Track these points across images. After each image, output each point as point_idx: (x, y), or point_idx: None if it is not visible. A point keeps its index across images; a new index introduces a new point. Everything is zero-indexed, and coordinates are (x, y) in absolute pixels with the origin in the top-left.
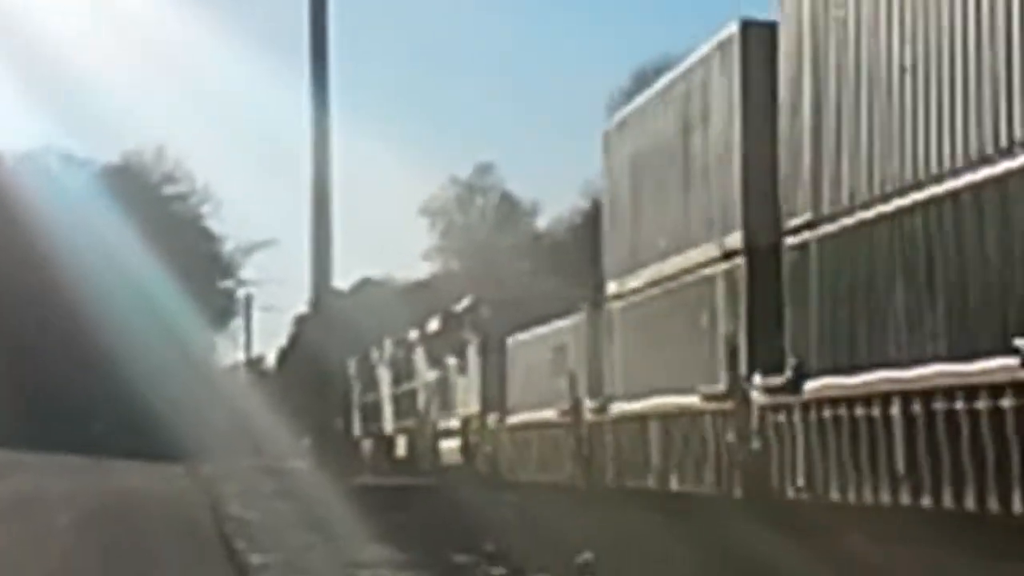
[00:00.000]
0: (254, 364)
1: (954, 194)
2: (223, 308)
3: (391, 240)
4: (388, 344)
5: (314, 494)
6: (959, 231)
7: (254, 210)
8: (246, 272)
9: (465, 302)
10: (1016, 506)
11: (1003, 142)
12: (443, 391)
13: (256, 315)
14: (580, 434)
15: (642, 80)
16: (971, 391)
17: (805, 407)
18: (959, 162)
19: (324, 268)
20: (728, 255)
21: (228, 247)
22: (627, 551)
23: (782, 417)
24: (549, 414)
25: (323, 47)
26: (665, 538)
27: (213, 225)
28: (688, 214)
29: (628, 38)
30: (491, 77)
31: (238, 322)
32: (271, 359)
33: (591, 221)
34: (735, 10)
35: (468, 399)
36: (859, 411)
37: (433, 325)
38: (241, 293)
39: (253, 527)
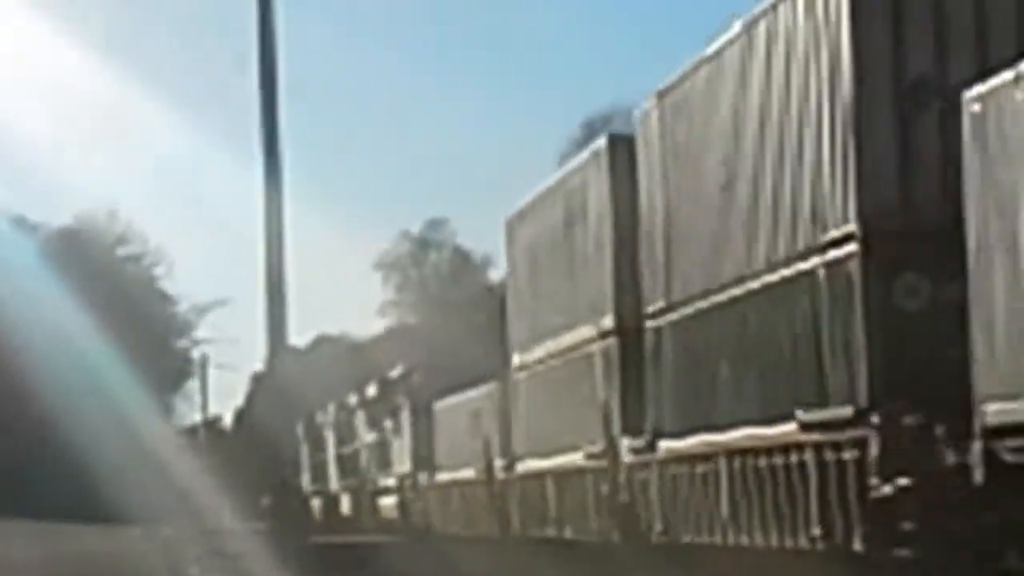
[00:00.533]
0: (211, 425)
1: (757, 291)
2: (179, 369)
3: (346, 296)
4: (331, 407)
5: (272, 555)
6: (761, 320)
7: (207, 269)
8: (201, 331)
9: (399, 369)
10: (803, 541)
11: (790, 252)
12: (381, 452)
13: (212, 374)
14: (492, 490)
15: (591, 130)
16: (768, 450)
17: (660, 464)
18: (761, 264)
19: (279, 327)
20: (603, 335)
21: (182, 307)
22: None
23: (643, 473)
24: (468, 473)
25: (272, 106)
26: None
27: (167, 285)
28: (574, 297)
29: (577, 88)
30: (441, 131)
31: (195, 382)
32: (228, 419)
33: None
34: (676, 59)
35: (403, 459)
36: (698, 467)
37: (371, 390)
38: (196, 353)
39: None
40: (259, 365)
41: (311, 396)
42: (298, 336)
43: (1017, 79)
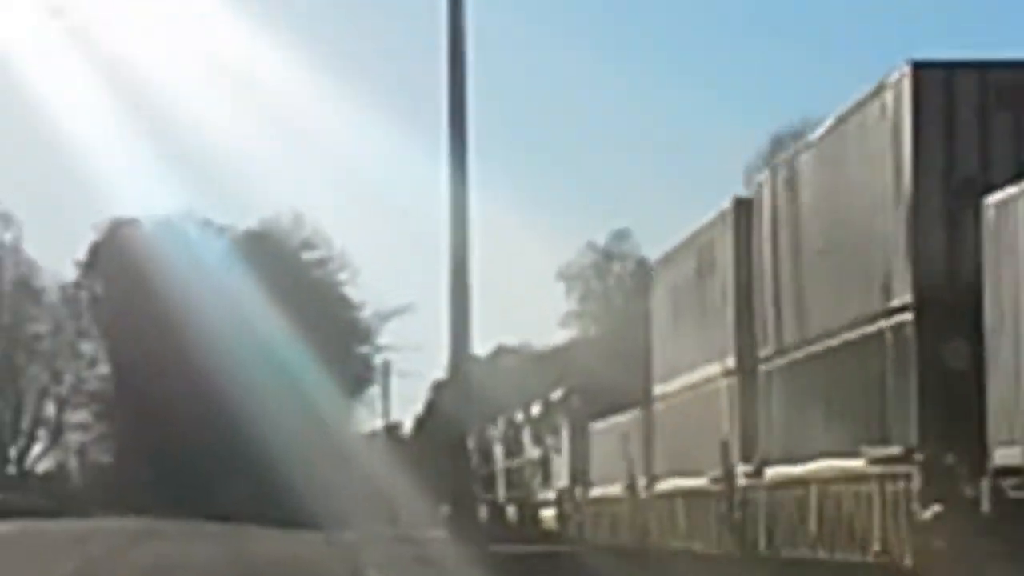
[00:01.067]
0: (392, 431)
1: (838, 347)
2: (361, 375)
3: (528, 306)
4: (501, 421)
5: (451, 562)
6: (841, 370)
7: (391, 276)
8: (383, 338)
9: (559, 392)
10: (869, 557)
11: (865, 313)
12: (543, 467)
13: (394, 381)
14: (634, 506)
15: (779, 145)
16: (844, 479)
17: (766, 488)
18: (844, 322)
19: (462, 335)
20: (727, 374)
21: (366, 313)
22: None
23: (753, 495)
24: (616, 489)
25: (461, 112)
26: None
27: (351, 291)
28: (704, 338)
29: (766, 102)
30: (628, 141)
31: (376, 389)
32: (408, 426)
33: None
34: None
35: (561, 475)
36: (794, 491)
37: (535, 409)
38: (379, 359)
39: None
40: (440, 373)
41: (492, 405)
42: (480, 345)
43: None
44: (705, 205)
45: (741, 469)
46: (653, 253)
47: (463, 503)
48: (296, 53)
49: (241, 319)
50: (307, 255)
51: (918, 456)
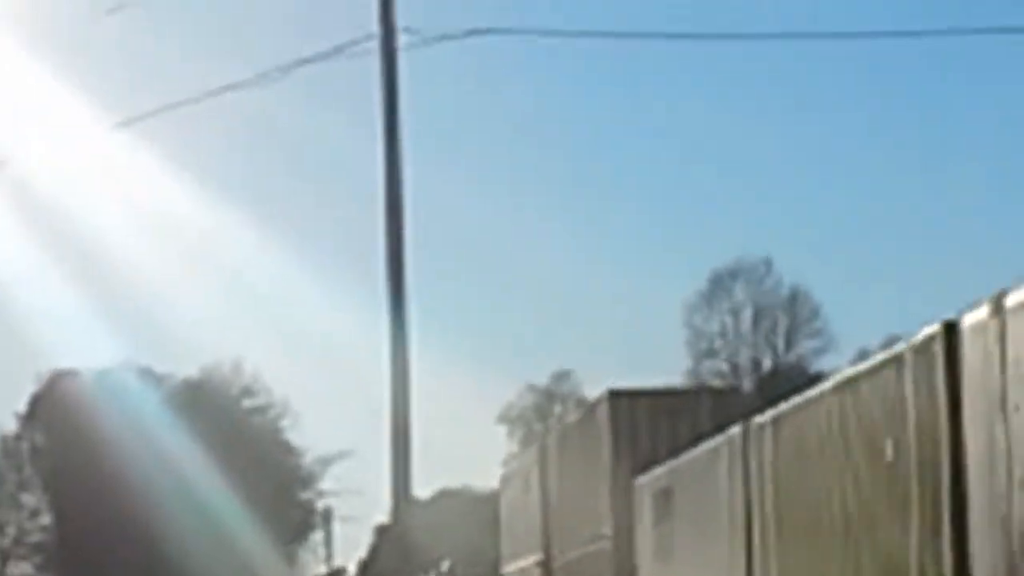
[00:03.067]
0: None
1: None
2: (303, 520)
3: (469, 449)
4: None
5: None
6: None
7: (332, 421)
8: (326, 483)
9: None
10: None
11: None
12: None
13: (337, 526)
14: None
15: (718, 283)
16: None
17: None
18: None
19: (403, 478)
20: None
21: (307, 459)
22: None
23: None
24: None
25: (399, 260)
26: None
27: (292, 437)
28: None
29: (704, 241)
30: (566, 282)
31: (319, 534)
32: (352, 571)
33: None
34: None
35: None
36: None
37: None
38: (321, 504)
39: None
40: (383, 517)
41: (433, 548)
42: (422, 488)
43: None
44: (644, 342)
45: None
46: (593, 393)
47: None
48: (237, 204)
49: (178, 471)
50: (247, 402)
51: None
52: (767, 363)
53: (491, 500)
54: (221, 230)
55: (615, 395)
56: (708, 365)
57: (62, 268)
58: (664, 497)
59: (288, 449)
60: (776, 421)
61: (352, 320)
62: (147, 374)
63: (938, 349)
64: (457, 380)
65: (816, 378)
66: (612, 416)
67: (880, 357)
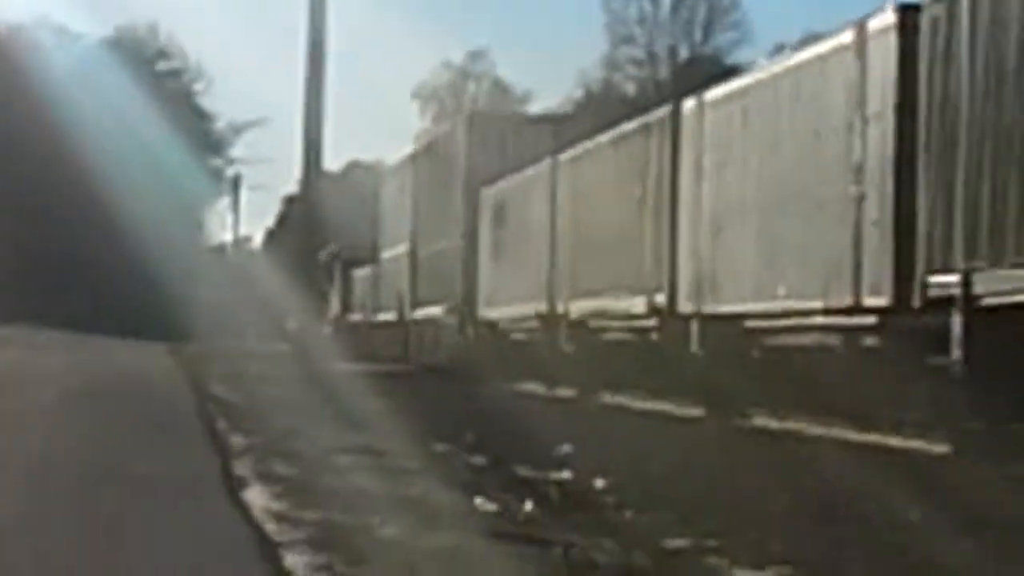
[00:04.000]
0: (240, 244)
1: None
2: (212, 187)
3: (382, 123)
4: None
5: (295, 377)
6: None
7: (246, 89)
8: (236, 151)
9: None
10: None
11: None
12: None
13: (245, 195)
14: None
15: None
16: None
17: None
18: None
19: (315, 149)
20: None
21: (219, 125)
22: None
23: None
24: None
25: None
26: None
27: (205, 103)
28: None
29: None
30: None
31: (226, 201)
32: (258, 240)
33: (583, 110)
34: None
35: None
36: None
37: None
38: (230, 172)
39: (236, 410)
40: (292, 188)
41: (343, 220)
42: (333, 161)
43: None
44: (561, 28)
45: None
46: (507, 74)
47: (308, 319)
48: None
49: (90, 130)
50: (162, 65)
51: None
52: (684, 52)
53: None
54: None
55: (474, 116)
56: (624, 51)
57: None
58: (499, 209)
59: (200, 114)
60: (574, 160)
61: None
62: (62, 32)
63: (668, 125)
64: (373, 54)
65: (731, 70)
66: (469, 134)
67: (630, 127)
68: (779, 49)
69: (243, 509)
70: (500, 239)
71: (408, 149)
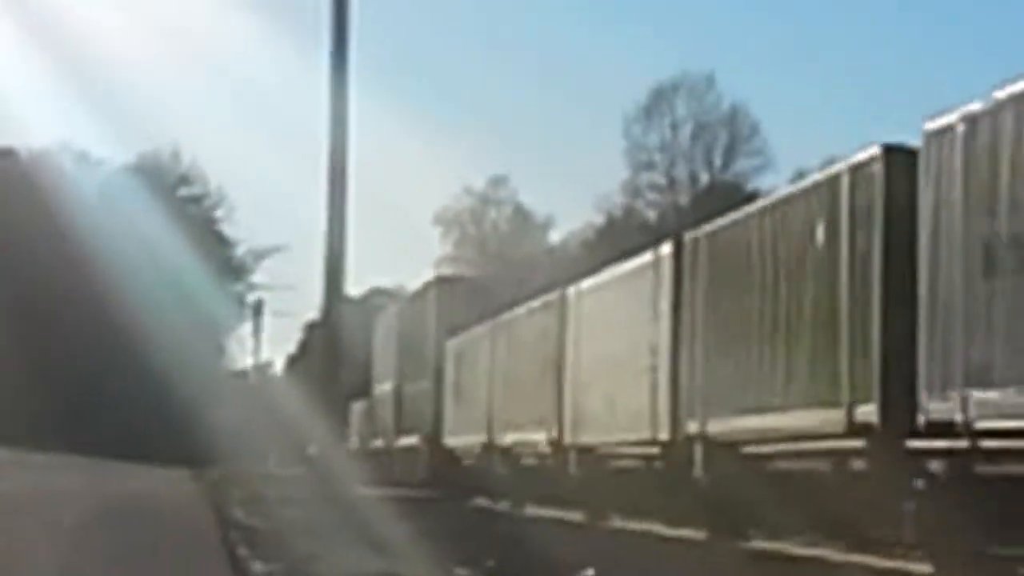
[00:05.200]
0: (262, 370)
1: None
2: (233, 313)
3: (403, 250)
4: None
5: (316, 501)
6: None
7: (268, 215)
8: (257, 277)
9: None
10: None
11: None
12: None
13: (267, 321)
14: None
15: (660, 97)
16: None
17: None
18: None
19: (336, 275)
20: None
21: (241, 251)
22: None
23: None
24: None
25: (344, 43)
26: None
27: (226, 228)
28: None
29: (646, 53)
30: (507, 89)
31: (248, 327)
32: (279, 365)
33: (604, 236)
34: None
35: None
36: None
37: None
38: (252, 298)
39: (257, 534)
40: (314, 313)
41: (363, 347)
42: (354, 287)
43: None
44: (582, 154)
45: None
46: (529, 199)
47: (330, 443)
48: None
49: (112, 256)
50: (183, 191)
51: None
52: (704, 178)
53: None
54: (174, 9)
55: (440, 280)
56: (645, 177)
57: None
58: (458, 357)
59: (222, 240)
60: (507, 323)
61: (294, 111)
62: (84, 158)
63: (558, 305)
64: (395, 180)
65: (752, 196)
66: (438, 296)
67: (537, 304)
68: (800, 175)
69: None
70: (458, 382)
71: (429, 275)
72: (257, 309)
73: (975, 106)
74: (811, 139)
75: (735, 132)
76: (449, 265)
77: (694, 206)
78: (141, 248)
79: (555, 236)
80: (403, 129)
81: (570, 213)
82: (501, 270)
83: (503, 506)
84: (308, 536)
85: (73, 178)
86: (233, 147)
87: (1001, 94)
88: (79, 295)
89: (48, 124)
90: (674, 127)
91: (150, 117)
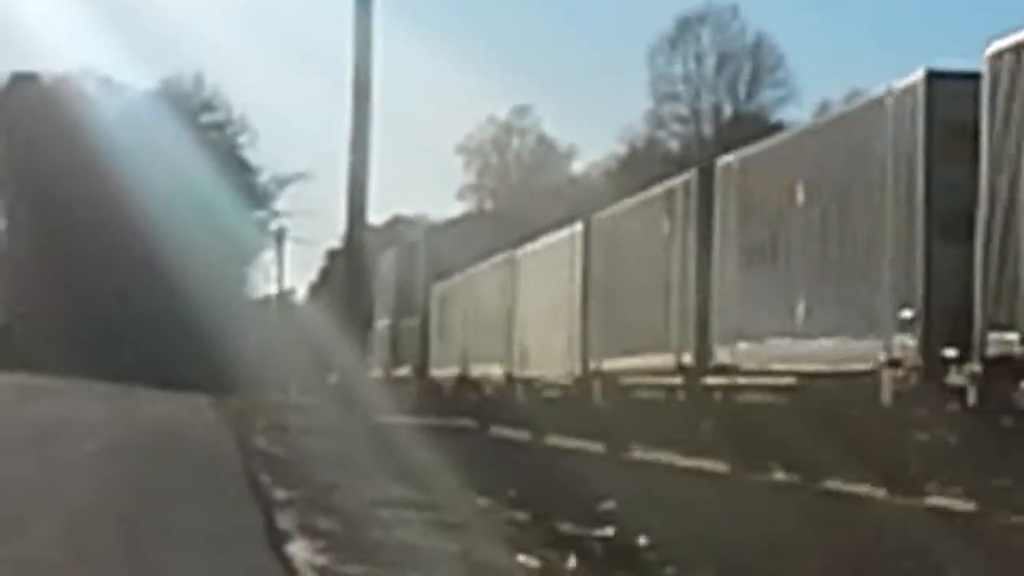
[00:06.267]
0: (285, 297)
1: None
2: (256, 240)
3: (426, 178)
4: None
5: (333, 431)
6: None
7: (291, 142)
8: (280, 204)
9: None
10: None
11: None
12: None
13: (288, 248)
14: None
15: (685, 27)
16: None
17: None
18: None
19: (359, 203)
20: None
21: (263, 178)
22: None
23: None
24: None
25: None
26: None
27: (249, 156)
28: None
29: None
30: (532, 18)
31: (270, 255)
32: (302, 293)
33: (626, 166)
34: None
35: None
36: None
37: None
38: (274, 225)
39: (279, 462)
40: (336, 242)
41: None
42: (376, 215)
43: None
44: (606, 84)
45: None
46: (552, 129)
47: (351, 374)
48: None
49: (139, 178)
50: (206, 117)
51: None
52: (728, 110)
53: (444, 230)
54: None
55: (432, 228)
56: (669, 108)
57: None
58: (442, 300)
59: (244, 167)
60: (477, 275)
61: (321, 38)
62: (106, 83)
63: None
64: (418, 108)
65: (776, 127)
66: (427, 243)
67: (499, 259)
68: (824, 107)
69: (286, 563)
70: (442, 321)
71: (452, 204)
72: (280, 237)
73: None
74: (835, 71)
75: (759, 63)
76: (472, 194)
77: (718, 137)
78: (164, 173)
79: (578, 166)
80: (428, 57)
81: (593, 143)
82: (498, 212)
83: (465, 422)
84: (330, 465)
85: (96, 103)
86: (257, 73)
87: None
88: (102, 220)
89: (71, 49)
90: (698, 58)
91: (173, 42)
